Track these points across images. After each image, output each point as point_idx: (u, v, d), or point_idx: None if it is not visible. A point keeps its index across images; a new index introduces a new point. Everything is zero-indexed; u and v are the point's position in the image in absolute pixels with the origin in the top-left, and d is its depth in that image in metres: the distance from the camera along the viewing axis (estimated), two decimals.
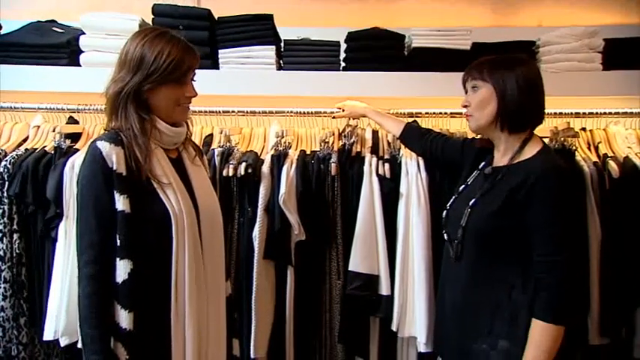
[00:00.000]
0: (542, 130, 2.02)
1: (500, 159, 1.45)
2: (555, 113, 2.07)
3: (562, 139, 1.94)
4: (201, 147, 2.05)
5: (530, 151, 1.39)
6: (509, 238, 1.35)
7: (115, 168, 1.24)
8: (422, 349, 1.84)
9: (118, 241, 1.23)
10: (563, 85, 2.07)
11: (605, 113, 2.09)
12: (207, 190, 1.44)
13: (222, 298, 1.44)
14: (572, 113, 2.07)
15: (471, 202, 1.42)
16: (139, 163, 1.26)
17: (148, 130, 1.30)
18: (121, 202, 1.23)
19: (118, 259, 1.23)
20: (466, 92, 1.48)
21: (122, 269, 1.23)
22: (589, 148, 2.08)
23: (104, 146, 1.24)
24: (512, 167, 1.39)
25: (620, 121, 2.14)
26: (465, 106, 1.47)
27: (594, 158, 2.00)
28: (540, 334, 1.28)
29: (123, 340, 1.24)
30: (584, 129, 2.14)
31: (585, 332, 1.86)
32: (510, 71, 1.38)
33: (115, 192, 1.23)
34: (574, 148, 1.96)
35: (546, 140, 2.00)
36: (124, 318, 1.23)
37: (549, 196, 1.29)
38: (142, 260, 1.25)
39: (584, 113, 2.08)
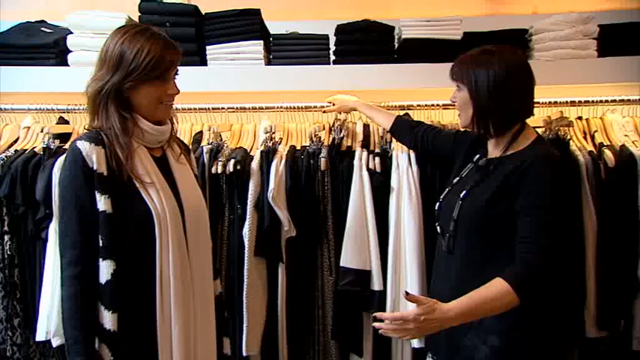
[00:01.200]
0: (535, 120, 1.99)
1: (494, 150, 1.42)
2: (550, 102, 2.03)
3: (556, 128, 1.90)
4: (191, 145, 2.04)
5: (524, 142, 1.36)
6: (501, 229, 1.32)
7: (95, 168, 1.22)
8: (415, 344, 1.83)
9: (101, 242, 1.21)
10: (557, 73, 2.04)
11: (601, 101, 2.05)
12: (192, 188, 1.41)
13: (210, 297, 1.42)
14: (567, 102, 2.03)
15: (462, 194, 1.40)
16: (120, 163, 1.24)
17: (129, 129, 1.28)
18: (102, 203, 1.21)
19: (100, 259, 1.21)
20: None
21: (105, 270, 1.21)
22: (585, 138, 2.04)
23: (84, 146, 1.22)
24: (506, 158, 1.36)
25: (617, 109, 2.10)
26: (453, 102, 1.45)
27: (590, 147, 1.97)
28: (495, 291, 1.22)
29: (107, 341, 1.22)
30: (580, 118, 2.10)
31: (582, 325, 1.83)
32: (486, 73, 1.33)
33: (96, 192, 1.21)
34: (568, 137, 1.92)
35: (540, 130, 1.97)
36: (108, 319, 1.22)
37: (541, 182, 1.27)
38: (126, 260, 1.23)
39: (579, 102, 2.05)
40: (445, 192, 1.50)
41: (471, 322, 1.36)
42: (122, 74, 1.25)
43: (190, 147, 1.98)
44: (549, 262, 1.26)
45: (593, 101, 2.05)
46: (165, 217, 1.27)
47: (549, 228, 1.25)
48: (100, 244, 1.21)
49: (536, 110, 2.03)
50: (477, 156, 1.48)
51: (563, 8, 2.45)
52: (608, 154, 1.86)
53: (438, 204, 1.51)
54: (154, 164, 1.32)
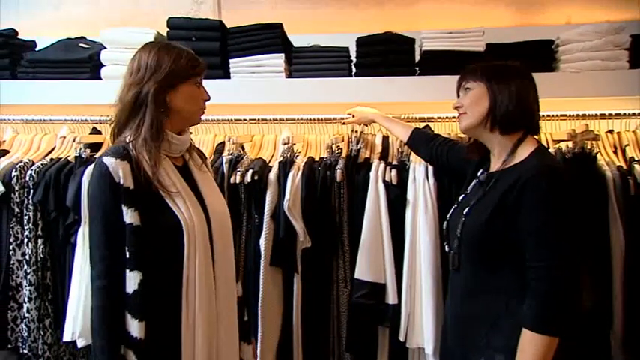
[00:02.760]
0: (560, 133, 1.94)
1: (496, 163, 1.40)
2: (578, 115, 1.97)
3: (581, 142, 1.83)
4: (212, 155, 2.10)
5: (524, 153, 1.33)
6: (504, 246, 1.29)
7: (122, 183, 1.24)
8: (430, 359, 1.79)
9: (128, 253, 1.24)
10: (584, 85, 1.98)
11: (633, 114, 1.97)
12: (216, 196, 1.44)
13: (232, 302, 1.44)
14: (596, 115, 1.96)
15: (464, 212, 1.38)
16: (147, 176, 1.27)
17: (161, 137, 1.31)
18: (129, 216, 1.24)
19: (127, 270, 1.24)
20: (458, 97, 1.46)
21: (132, 280, 1.24)
22: (615, 152, 1.96)
23: (110, 162, 1.25)
24: (505, 171, 1.34)
25: None
26: (457, 108, 1.44)
27: (620, 162, 1.88)
28: (528, 344, 1.21)
29: (134, 349, 1.25)
30: (611, 131, 2.02)
31: (608, 348, 1.74)
32: (503, 73, 1.37)
33: (122, 206, 1.24)
34: (595, 151, 1.85)
35: (563, 144, 1.91)
36: (135, 327, 1.24)
37: (540, 198, 1.23)
38: (153, 270, 1.26)
39: (610, 115, 1.97)
40: (452, 209, 1.48)
41: (478, 341, 1.33)
42: (161, 75, 1.29)
43: (211, 157, 2.06)
44: (561, 284, 1.21)
45: (625, 114, 1.97)
46: (193, 227, 1.29)
47: (555, 247, 1.21)
48: (127, 256, 1.24)
49: (562, 123, 2.00)
50: (481, 171, 1.45)
51: (599, 17, 2.37)
52: (638, 169, 1.78)
53: (445, 222, 1.49)
54: (178, 174, 1.36)
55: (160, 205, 1.28)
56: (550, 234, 1.22)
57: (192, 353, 1.29)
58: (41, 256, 2.01)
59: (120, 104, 1.33)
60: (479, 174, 1.46)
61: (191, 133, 1.51)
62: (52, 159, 2.12)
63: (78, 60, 2.21)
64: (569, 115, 1.96)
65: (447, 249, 1.48)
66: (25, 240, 2.00)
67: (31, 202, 2.00)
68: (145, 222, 1.26)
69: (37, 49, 2.40)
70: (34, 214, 2.01)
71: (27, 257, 2.00)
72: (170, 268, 1.28)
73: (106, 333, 1.24)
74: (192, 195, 1.35)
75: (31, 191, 2.00)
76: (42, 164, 2.07)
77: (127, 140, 1.30)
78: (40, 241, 2.01)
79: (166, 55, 1.31)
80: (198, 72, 1.37)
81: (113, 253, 1.24)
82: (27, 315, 2.00)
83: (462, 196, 1.48)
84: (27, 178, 2.01)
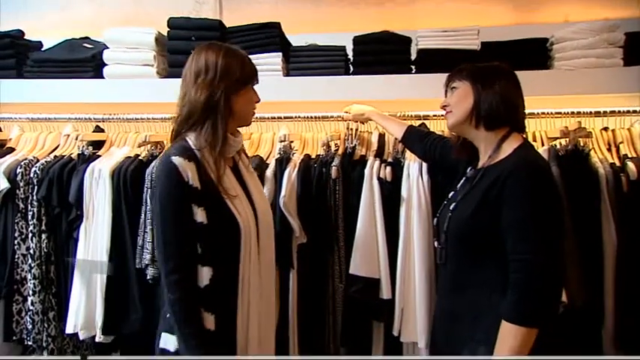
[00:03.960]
0: (553, 130, 1.95)
1: (482, 160, 1.42)
2: (573, 112, 1.97)
3: (574, 139, 1.84)
4: None
5: (508, 149, 1.35)
6: (487, 241, 1.31)
7: (190, 182, 1.29)
8: (423, 354, 1.81)
9: (200, 250, 1.30)
10: (578, 82, 1.99)
11: (628, 112, 1.97)
12: (262, 196, 1.50)
13: (273, 299, 1.53)
14: (591, 112, 1.97)
15: (451, 207, 1.41)
16: (210, 178, 1.32)
17: (225, 140, 1.35)
18: (198, 214, 1.29)
19: (199, 265, 1.30)
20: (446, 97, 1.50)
21: (205, 275, 1.30)
22: (609, 149, 1.96)
23: (179, 161, 1.29)
24: (490, 167, 1.36)
25: None
26: (444, 107, 1.48)
27: (614, 159, 1.89)
28: (507, 335, 1.22)
29: (208, 341, 1.29)
30: (605, 129, 2.02)
31: (599, 344, 1.75)
32: (487, 73, 1.41)
33: (192, 205, 1.29)
34: (589, 148, 1.86)
35: (557, 141, 1.92)
36: (208, 320, 1.30)
37: (521, 192, 1.25)
38: (219, 266, 1.32)
39: (604, 112, 1.97)
40: (442, 205, 1.51)
41: (464, 334, 1.36)
42: (232, 80, 1.34)
43: None
44: (541, 278, 1.22)
45: (620, 112, 1.97)
46: (249, 226, 1.36)
47: (537, 241, 1.23)
48: (199, 252, 1.30)
49: (557, 121, 2.01)
50: (469, 168, 1.48)
51: (595, 16, 2.37)
52: (632, 166, 1.79)
53: (435, 218, 1.52)
54: (232, 175, 1.41)
55: (221, 206, 1.33)
56: (531, 227, 1.23)
57: (246, 345, 1.35)
58: (45, 250, 2.07)
59: (189, 105, 1.34)
60: (467, 170, 1.48)
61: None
62: (55, 156, 2.18)
63: (81, 59, 2.27)
64: (564, 113, 1.97)
65: (435, 244, 1.50)
66: (30, 235, 2.06)
67: (35, 198, 2.06)
68: (210, 221, 1.31)
69: (42, 49, 2.46)
70: (38, 210, 2.06)
71: (31, 251, 2.05)
72: (231, 264, 1.34)
73: (192, 320, 1.28)
74: (245, 196, 1.40)
75: (35, 187, 2.06)
76: (46, 161, 2.12)
77: (191, 140, 1.34)
78: (44, 235, 2.07)
79: (234, 60, 1.36)
80: (256, 77, 1.43)
81: (184, 249, 1.29)
82: (31, 308, 2.05)
83: (452, 192, 1.51)
84: (31, 175, 2.07)
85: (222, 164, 1.35)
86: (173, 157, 1.30)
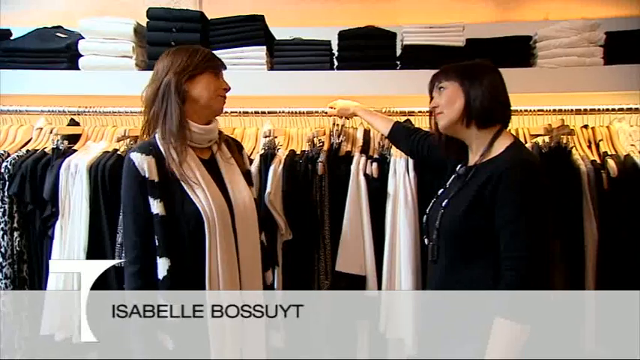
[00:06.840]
0: (537, 128, 1.97)
1: (474, 158, 1.42)
2: (554, 110, 2.00)
3: (557, 136, 1.87)
4: None
5: (500, 147, 1.36)
6: (480, 238, 1.32)
7: (147, 176, 1.35)
8: (409, 351, 1.81)
9: (156, 242, 1.35)
10: (561, 80, 2.02)
11: (607, 110, 2.01)
12: (240, 187, 1.50)
13: (258, 289, 1.51)
14: (572, 110, 2.00)
15: (443, 204, 1.40)
16: (170, 169, 1.37)
17: (184, 126, 1.39)
18: (155, 206, 1.35)
19: (157, 257, 1.35)
20: (431, 99, 1.49)
21: (161, 266, 1.34)
22: (589, 147, 2.00)
23: (136, 157, 1.37)
24: (482, 165, 1.37)
25: (625, 118, 2.05)
26: (434, 108, 1.47)
27: (594, 156, 1.93)
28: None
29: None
30: (585, 126, 2.06)
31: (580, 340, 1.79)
32: (473, 70, 1.41)
33: (149, 198, 1.35)
34: (571, 146, 1.89)
35: (540, 139, 1.95)
36: None
37: (515, 190, 1.26)
38: (180, 257, 1.36)
39: (585, 110, 2.01)
40: (432, 202, 1.50)
41: (454, 331, 1.36)
42: (177, 70, 1.39)
43: None
44: (533, 275, 1.24)
45: (599, 110, 2.01)
46: (213, 216, 1.37)
47: (529, 239, 1.24)
48: (156, 244, 1.35)
49: (539, 118, 2.03)
50: (460, 165, 1.48)
51: (575, 14, 2.41)
52: (612, 163, 1.83)
53: (425, 215, 1.51)
54: (201, 165, 1.43)
55: (182, 196, 1.37)
56: (523, 226, 1.24)
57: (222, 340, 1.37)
58: (17, 249, 1.98)
59: (144, 102, 1.43)
60: (458, 168, 1.48)
61: None
62: (28, 150, 2.08)
63: (55, 49, 2.17)
64: (546, 110, 2.00)
65: (426, 242, 1.50)
66: (1, 233, 1.96)
67: (6, 194, 1.96)
68: (169, 212, 1.36)
69: (12, 38, 2.34)
70: (10, 207, 1.97)
71: (2, 250, 1.96)
72: (195, 256, 1.36)
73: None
74: (215, 186, 1.42)
75: (7, 183, 1.96)
76: (18, 155, 2.02)
77: (157, 135, 1.41)
78: (16, 233, 1.98)
79: (181, 51, 1.42)
80: (214, 65, 1.46)
81: (142, 241, 1.35)
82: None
83: (442, 190, 1.51)
84: (2, 170, 1.97)
85: (183, 152, 1.38)
86: (131, 154, 1.38)
